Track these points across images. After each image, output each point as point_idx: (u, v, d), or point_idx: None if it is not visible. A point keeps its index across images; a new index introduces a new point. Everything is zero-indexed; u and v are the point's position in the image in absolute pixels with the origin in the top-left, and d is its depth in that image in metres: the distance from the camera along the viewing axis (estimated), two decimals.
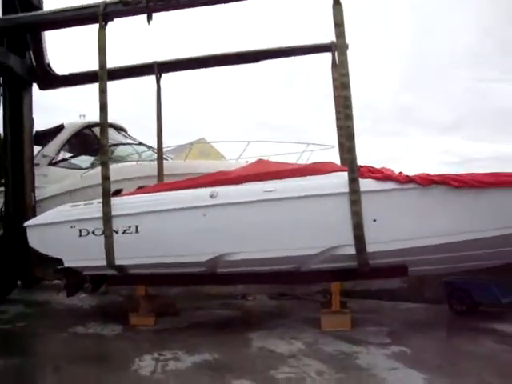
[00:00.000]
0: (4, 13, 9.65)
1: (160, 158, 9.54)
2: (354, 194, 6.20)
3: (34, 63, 10.38)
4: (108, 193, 7.13)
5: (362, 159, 6.59)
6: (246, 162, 9.08)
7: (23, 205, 9.78)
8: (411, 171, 6.57)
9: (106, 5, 7.18)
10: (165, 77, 9.74)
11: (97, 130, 10.75)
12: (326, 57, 8.99)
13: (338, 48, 6.79)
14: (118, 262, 6.99)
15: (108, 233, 6.94)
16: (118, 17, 7.40)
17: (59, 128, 12.22)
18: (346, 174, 6.35)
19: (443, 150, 46.78)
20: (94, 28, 7.31)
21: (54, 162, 11.83)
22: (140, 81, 10.49)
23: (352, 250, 6.25)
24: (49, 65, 10.50)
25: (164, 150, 10.10)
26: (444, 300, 7.55)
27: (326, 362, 5.15)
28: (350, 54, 6.76)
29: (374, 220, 6.19)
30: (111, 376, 5.05)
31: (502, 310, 7.17)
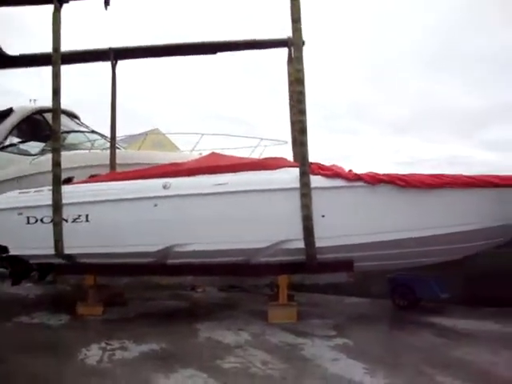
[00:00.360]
0: None
1: (113, 146, 9.43)
2: (305, 188, 6.35)
3: None
4: (59, 180, 7.03)
5: (314, 156, 6.76)
6: (200, 154, 9.12)
7: None
8: (362, 169, 6.79)
9: None
10: (121, 64, 9.63)
11: (48, 116, 10.50)
12: (284, 52, 9.13)
13: (293, 44, 6.92)
14: (67, 251, 6.93)
15: (57, 221, 6.85)
16: None
17: (8, 112, 11.87)
18: (296, 169, 6.50)
19: (395, 149, 47.82)
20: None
21: (1, 146, 11.51)
22: (97, 66, 10.33)
23: (300, 244, 6.41)
24: None
25: (117, 139, 10.01)
26: (388, 295, 7.81)
27: (271, 352, 5.28)
28: (306, 49, 6.92)
29: (323, 216, 6.36)
30: (56, 365, 5.01)
31: (441, 304, 7.52)
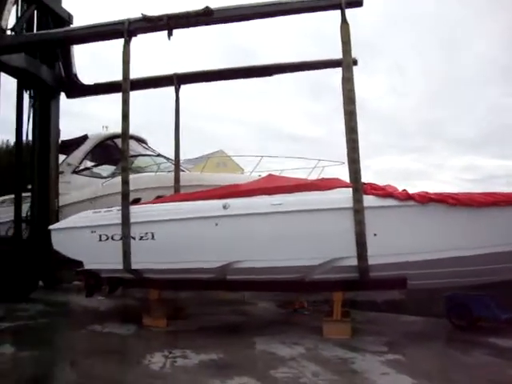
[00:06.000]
0: (38, 28, 10.33)
1: (177, 169, 9.99)
2: (357, 205, 6.56)
3: (63, 74, 11.01)
4: (127, 196, 7.56)
5: (385, 174, 6.91)
6: (259, 175, 9.46)
7: (47, 210, 10.38)
8: (433, 187, 6.89)
9: (129, 22, 7.74)
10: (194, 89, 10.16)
11: (119, 141, 11.25)
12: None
13: (344, 64, 7.18)
14: (134, 266, 7.43)
15: (125, 233, 7.36)
16: (141, 33, 7.94)
17: (83, 138, 12.85)
18: (349, 189, 6.73)
19: (466, 166, 46.31)
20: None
21: (77, 170, 12.42)
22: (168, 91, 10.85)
23: (354, 262, 6.60)
24: (76, 75, 11.18)
25: (181, 161, 10.56)
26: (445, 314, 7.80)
27: (322, 365, 5.49)
28: (378, 69, 7.25)
29: (375, 234, 6.55)
30: (124, 369, 5.49)
31: (500, 325, 7.37)
